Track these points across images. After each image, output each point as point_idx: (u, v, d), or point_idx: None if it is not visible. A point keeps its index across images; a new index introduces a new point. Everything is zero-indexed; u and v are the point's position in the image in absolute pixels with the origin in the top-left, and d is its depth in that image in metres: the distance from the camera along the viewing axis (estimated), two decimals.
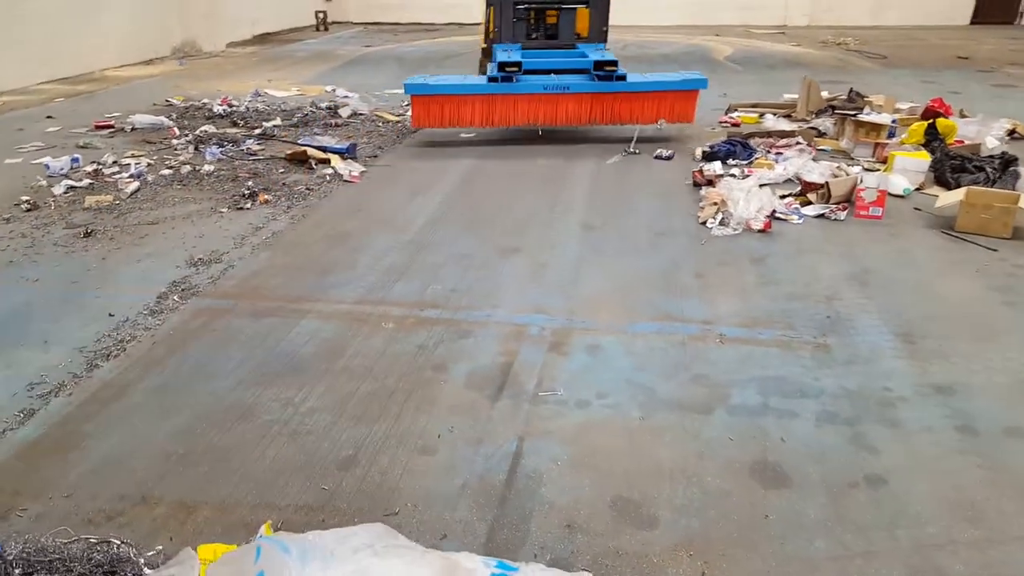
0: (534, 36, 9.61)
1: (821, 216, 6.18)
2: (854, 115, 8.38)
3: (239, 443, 3.39)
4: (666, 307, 4.63)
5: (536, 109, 8.25)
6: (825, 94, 9.68)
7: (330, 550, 2.12)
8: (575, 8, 9.39)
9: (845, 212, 6.17)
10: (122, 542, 2.58)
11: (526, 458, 3.26)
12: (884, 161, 7.54)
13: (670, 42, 18.92)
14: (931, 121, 7.87)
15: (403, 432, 3.46)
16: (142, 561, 2.45)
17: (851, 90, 9.76)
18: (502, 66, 8.12)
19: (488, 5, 9.41)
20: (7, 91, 11.70)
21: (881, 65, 14.84)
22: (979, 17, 23.07)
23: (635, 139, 8.48)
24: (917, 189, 6.80)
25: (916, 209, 6.39)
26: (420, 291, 4.91)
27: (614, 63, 8.20)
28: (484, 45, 9.82)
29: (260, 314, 4.57)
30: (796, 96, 10.42)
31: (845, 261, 5.29)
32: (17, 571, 2.34)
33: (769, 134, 8.15)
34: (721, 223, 5.96)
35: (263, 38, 20.00)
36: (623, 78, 8.17)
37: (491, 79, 8.17)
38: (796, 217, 6.11)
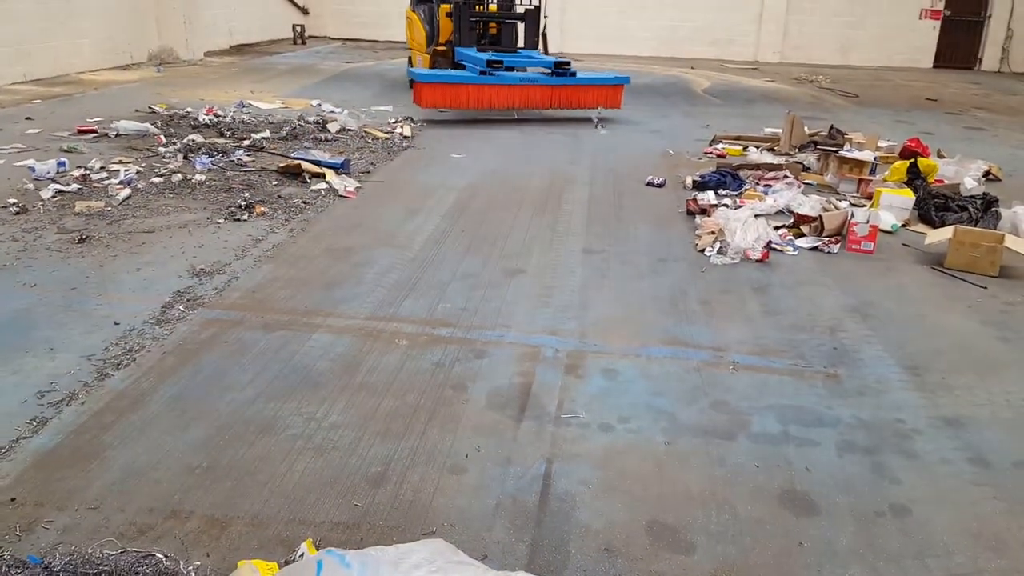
0: (483, 42, 12.25)
1: (815, 248, 6.30)
2: (838, 151, 8.57)
3: (264, 457, 3.35)
4: (676, 332, 4.68)
5: (513, 96, 10.94)
6: (806, 130, 9.88)
7: (391, 566, 2.10)
8: (513, 23, 12.51)
9: (838, 245, 6.27)
10: (167, 556, 2.52)
11: (556, 480, 3.27)
12: (869, 197, 7.72)
13: (649, 72, 19.19)
14: (913, 160, 8.07)
15: (430, 450, 3.44)
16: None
17: (832, 127, 10.00)
18: (489, 63, 10.85)
19: (446, 15, 12.38)
20: None
21: (853, 103, 15.21)
22: (941, 61, 23.79)
23: (597, 120, 11.66)
24: (903, 225, 6.96)
25: (905, 245, 6.56)
26: (429, 308, 4.89)
27: (567, 63, 11.22)
28: (428, 50, 12.84)
29: (271, 327, 4.52)
30: (777, 130, 10.64)
31: (843, 293, 5.40)
32: None
33: (757, 166, 8.31)
34: (719, 252, 6.04)
35: (240, 49, 19.85)
36: (574, 74, 11.18)
37: (481, 72, 10.77)
38: (791, 248, 6.24)
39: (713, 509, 3.14)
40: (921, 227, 7.09)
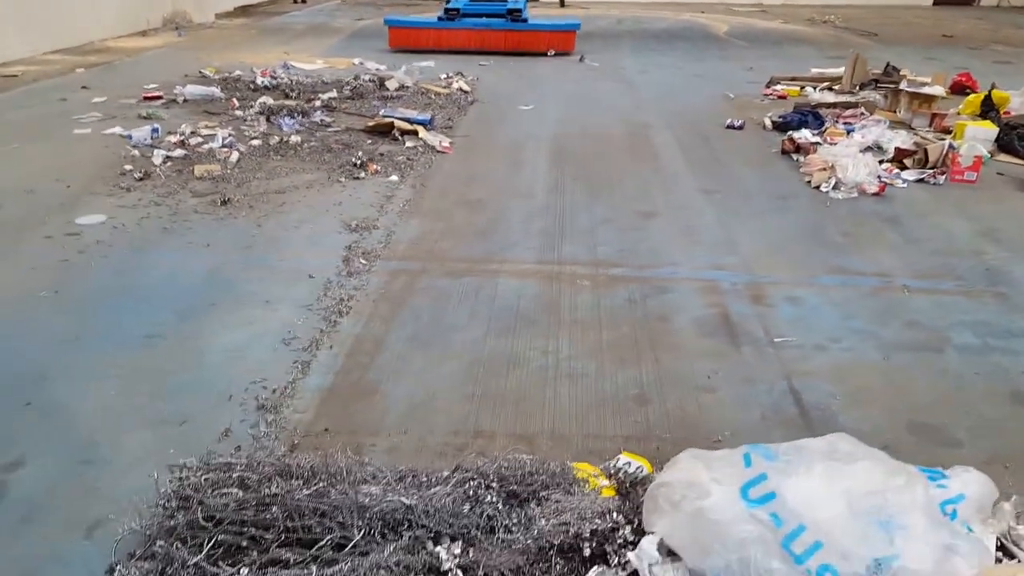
0: None
1: (920, 180, 6.55)
2: (897, 88, 8.83)
3: (525, 385, 3.59)
4: (834, 262, 4.95)
5: (471, 38, 12.88)
6: (869, 69, 10.12)
7: (821, 455, 2.36)
8: None
9: (943, 176, 6.53)
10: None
11: (804, 394, 3.53)
12: (944, 131, 7.96)
13: (661, 18, 19.28)
14: (987, 93, 8.35)
15: (671, 374, 3.69)
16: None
17: (888, 64, 10.23)
18: (446, 11, 12.98)
19: None
20: (15, 61, 11.38)
21: (875, 42, 15.42)
22: None
23: (582, 56, 13.09)
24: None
25: (999, 174, 6.82)
26: (590, 251, 5.11)
27: (519, 10, 12.93)
28: None
29: (454, 274, 4.73)
30: (824, 70, 10.90)
31: (967, 221, 5.68)
32: (495, 485, 2.53)
33: (834, 105, 8.53)
34: (834, 187, 6.28)
35: (245, 10, 19.68)
36: (526, 20, 13.04)
37: (439, 18, 13.09)
38: (900, 181, 6.48)
39: (959, 411, 3.42)
40: (1004, 157, 7.34)
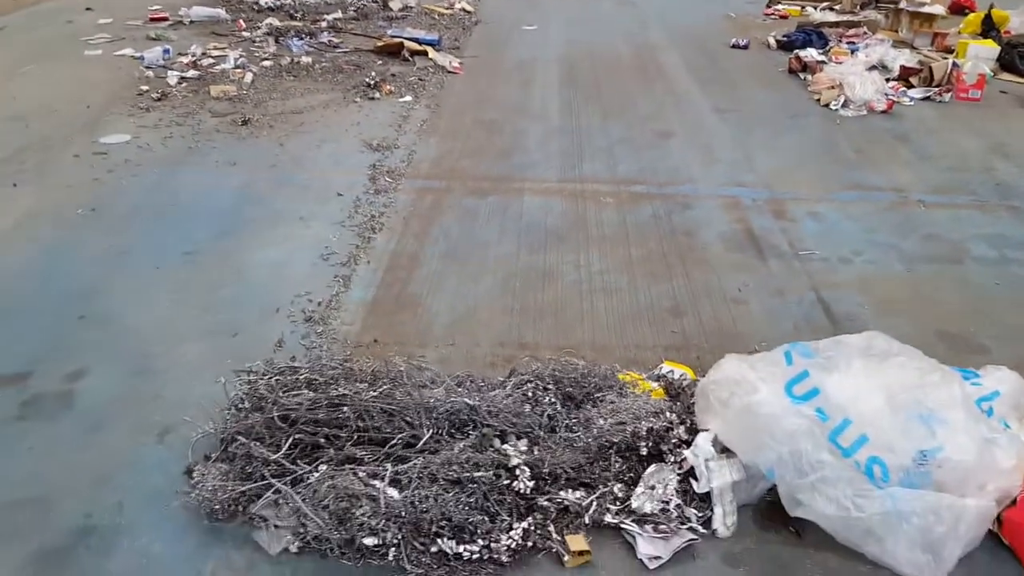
0: None
1: (927, 99, 6.62)
2: (898, 7, 8.81)
3: (562, 299, 3.71)
4: (850, 178, 5.06)
5: None
6: None
7: (859, 351, 2.51)
8: None
9: (949, 94, 6.60)
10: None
11: (833, 305, 3.68)
12: (946, 50, 7.98)
13: None
14: (987, 12, 8.35)
15: (702, 287, 3.82)
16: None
17: None
18: None
19: None
20: None
21: None
22: None
23: None
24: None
25: (1002, 92, 6.90)
26: (610, 170, 5.19)
27: None
28: None
29: (479, 192, 4.81)
30: None
31: (976, 136, 5.79)
32: (551, 387, 2.66)
33: (837, 24, 8.52)
34: (843, 105, 6.34)
35: None
36: None
37: None
38: (907, 99, 6.55)
39: (984, 319, 3.58)
40: (1006, 75, 7.40)
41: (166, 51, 7.39)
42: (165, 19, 8.97)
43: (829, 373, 2.46)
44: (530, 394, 2.65)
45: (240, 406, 2.65)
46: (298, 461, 2.46)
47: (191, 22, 8.88)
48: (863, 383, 2.45)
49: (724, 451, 2.46)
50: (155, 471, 2.65)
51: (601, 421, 2.56)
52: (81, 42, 7.96)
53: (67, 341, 3.29)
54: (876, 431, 2.33)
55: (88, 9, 9.54)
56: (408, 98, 6.50)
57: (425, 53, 7.68)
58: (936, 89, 6.69)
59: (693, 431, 2.58)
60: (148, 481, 2.60)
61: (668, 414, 2.57)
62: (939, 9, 8.80)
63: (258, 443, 2.49)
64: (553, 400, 2.63)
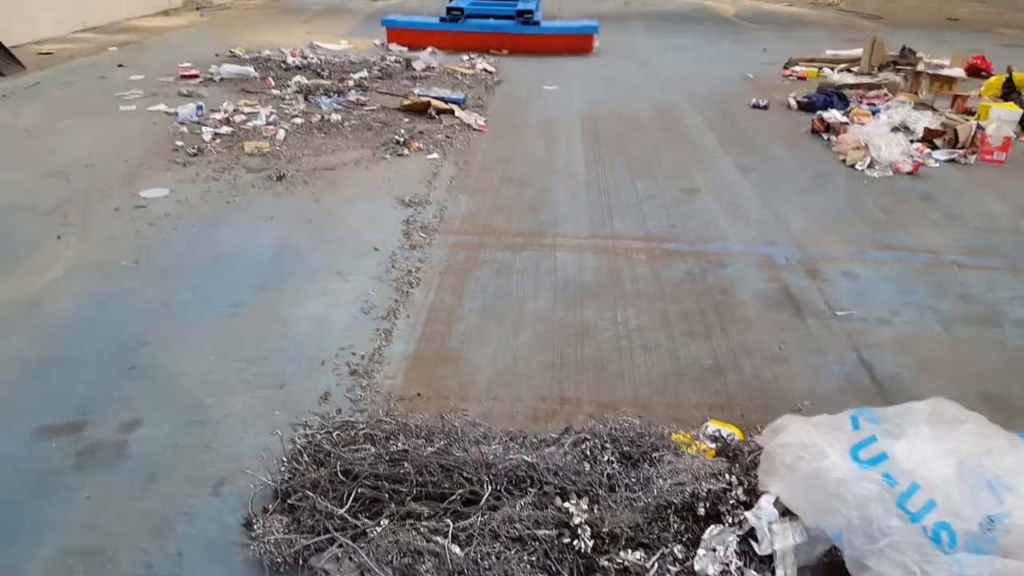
0: None
1: (951, 160, 6.69)
2: (916, 70, 8.96)
3: (602, 354, 3.73)
4: (881, 238, 5.10)
5: (476, 41, 11.52)
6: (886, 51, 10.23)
7: (925, 416, 2.52)
8: None
9: (974, 156, 6.68)
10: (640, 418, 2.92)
11: (874, 365, 3.69)
12: (966, 112, 8.09)
13: (666, 0, 19.32)
14: (1008, 75, 8.49)
15: (742, 345, 3.84)
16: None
17: (904, 47, 10.34)
18: (448, 10, 11.59)
19: None
20: (48, 39, 11.41)
21: (881, 25, 15.50)
22: None
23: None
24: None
25: None
26: (641, 226, 5.25)
27: (531, 11, 11.61)
28: None
29: (513, 248, 4.86)
30: (838, 51, 11.05)
31: (1003, 199, 5.84)
32: (609, 445, 2.67)
33: (857, 86, 8.66)
34: (869, 166, 6.42)
35: None
36: (537, 23, 11.70)
37: (441, 19, 11.66)
38: (932, 161, 6.63)
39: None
40: None
41: (199, 107, 7.54)
42: (196, 76, 9.17)
43: (897, 439, 2.46)
44: (588, 452, 2.65)
45: (299, 459, 2.64)
46: (359, 515, 2.46)
47: (221, 79, 9.07)
48: (931, 449, 2.45)
49: (785, 513, 2.45)
50: (212, 522, 2.66)
51: (661, 481, 2.55)
52: (115, 98, 8.14)
53: (118, 391, 3.31)
54: (943, 497, 2.32)
55: (120, 66, 9.77)
56: (436, 155, 6.61)
57: (451, 111, 7.79)
58: (961, 151, 6.78)
59: (751, 492, 2.57)
60: (206, 532, 2.60)
61: (728, 475, 2.56)
62: (958, 72, 8.94)
63: (322, 497, 2.48)
64: (611, 459, 2.62)
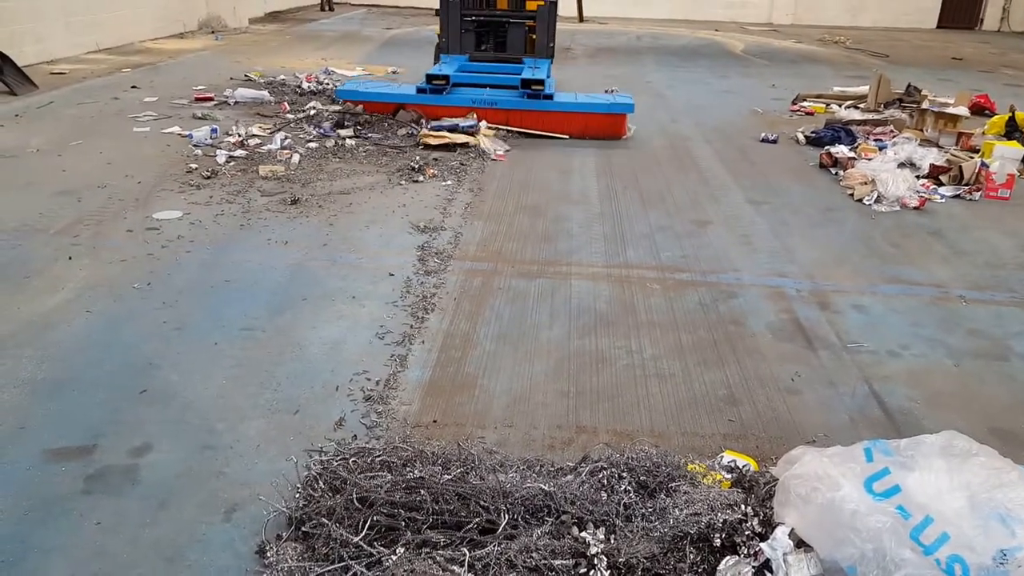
0: (483, 48, 9.98)
1: (957, 196, 6.74)
2: (920, 108, 9.05)
3: (617, 383, 3.75)
4: (890, 272, 5.13)
5: (463, 114, 8.53)
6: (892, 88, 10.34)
7: (938, 449, 2.53)
8: (522, 23, 9.76)
9: (979, 192, 6.73)
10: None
11: (885, 398, 3.70)
12: (971, 149, 8.15)
13: (678, 35, 19.54)
14: (1011, 114, 8.58)
15: (755, 375, 3.86)
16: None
17: (909, 85, 10.44)
18: (429, 79, 8.46)
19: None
20: (61, 59, 11.56)
21: (887, 63, 15.65)
22: (944, 22, 24.49)
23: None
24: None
25: None
26: (653, 256, 5.28)
27: (541, 82, 8.31)
28: (441, 37, 10.10)
29: (527, 275, 4.90)
30: (845, 88, 11.18)
31: (1008, 235, 5.89)
32: (626, 475, 2.68)
33: (864, 122, 8.74)
34: (876, 200, 6.47)
35: (275, 16, 19.89)
36: (550, 97, 8.43)
37: (419, 90, 8.52)
38: (938, 197, 6.68)
39: None
40: None
41: (213, 130, 7.62)
42: (210, 99, 9.27)
43: (910, 471, 2.48)
44: (605, 481, 2.66)
45: (315, 486, 2.65)
46: (375, 543, 2.46)
47: (236, 103, 9.15)
48: (943, 482, 2.46)
49: (800, 545, 2.46)
50: (224, 549, 2.65)
51: (677, 511, 2.56)
52: (128, 119, 8.23)
53: (128, 415, 3.32)
54: (957, 530, 2.33)
55: (134, 87, 9.88)
56: (450, 182, 6.67)
57: (466, 144, 7.84)
58: (966, 187, 6.82)
59: (766, 523, 2.57)
60: (218, 560, 2.59)
61: (743, 506, 2.57)
62: (963, 110, 9.02)
63: (337, 524, 2.48)
64: (628, 488, 2.63)
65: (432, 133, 7.89)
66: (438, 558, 2.38)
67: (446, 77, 8.45)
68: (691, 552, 2.51)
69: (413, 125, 8.27)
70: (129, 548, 2.64)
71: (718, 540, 2.52)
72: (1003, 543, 2.31)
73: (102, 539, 2.68)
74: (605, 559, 2.41)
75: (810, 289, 4.81)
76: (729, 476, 2.83)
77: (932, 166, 7.11)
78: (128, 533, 2.70)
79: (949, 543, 2.31)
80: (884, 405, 3.61)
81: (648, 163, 7.60)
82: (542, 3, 9.31)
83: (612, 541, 2.49)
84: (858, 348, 4.11)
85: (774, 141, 8.52)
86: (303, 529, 2.59)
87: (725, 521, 2.52)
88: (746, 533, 2.53)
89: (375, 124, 8.31)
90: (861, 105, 10.19)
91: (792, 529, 2.48)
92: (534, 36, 9.72)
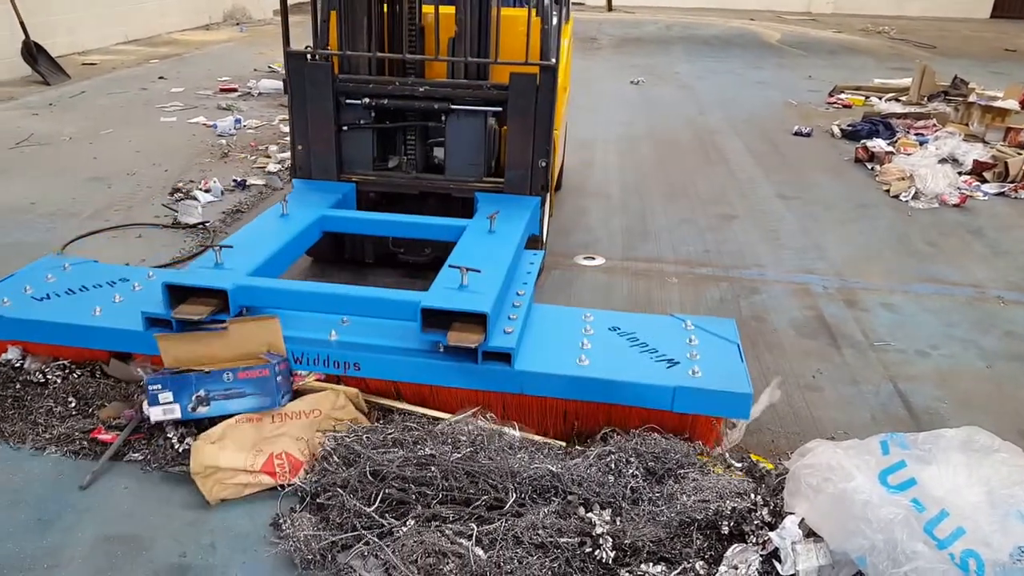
0: (390, 163, 4.54)
1: (1001, 194, 6.51)
2: (965, 101, 8.78)
3: None
4: (925, 271, 4.96)
5: None
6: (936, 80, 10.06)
7: (959, 443, 2.42)
8: (479, 113, 4.16)
9: None
10: None
11: (911, 397, 3.56)
12: (1019, 145, 7.87)
13: (710, 24, 19.29)
14: None
15: (775, 371, 3.73)
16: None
17: (956, 77, 10.15)
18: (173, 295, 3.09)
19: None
20: (91, 50, 11.68)
21: (934, 54, 15.25)
22: (999, 11, 23.57)
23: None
24: None
25: None
26: (674, 250, 5.15)
27: (481, 317, 2.93)
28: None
29: (549, 267, 4.78)
30: (887, 80, 10.89)
31: None
32: (633, 460, 2.58)
33: (905, 115, 8.50)
34: (914, 197, 6.26)
35: (298, 7, 19.91)
36: (508, 358, 2.99)
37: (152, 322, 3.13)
38: (981, 194, 6.45)
39: None
40: None
41: (237, 121, 7.60)
42: (235, 90, 9.28)
43: (927, 465, 2.40)
44: (612, 465, 2.65)
45: (329, 460, 2.68)
46: (386, 515, 2.49)
47: (259, 94, 9.15)
48: (962, 477, 2.39)
49: (810, 535, 2.36)
50: (242, 516, 2.68)
51: (684, 497, 2.51)
52: (156, 109, 8.28)
53: None
54: (973, 525, 2.28)
55: (161, 78, 9.94)
56: None
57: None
58: (1011, 185, 6.59)
59: (776, 514, 2.50)
60: (238, 525, 2.63)
61: (753, 495, 2.49)
62: (1013, 104, 8.73)
63: (351, 495, 2.51)
64: (635, 472, 2.57)
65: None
66: (447, 531, 2.41)
67: (221, 293, 3.09)
68: (698, 538, 2.48)
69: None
70: (157, 511, 2.71)
71: (726, 528, 2.50)
72: (1021, 540, 2.25)
73: (131, 503, 2.74)
74: (611, 540, 2.42)
75: (838, 286, 4.66)
76: (739, 465, 2.72)
77: (976, 162, 6.89)
78: (154, 498, 2.77)
79: (964, 537, 2.25)
80: (909, 404, 3.48)
81: (673, 155, 7.56)
82: (528, 70, 3.99)
83: (618, 523, 2.49)
84: (885, 347, 3.96)
85: (808, 134, 8.32)
86: (318, 500, 2.62)
87: (734, 509, 2.49)
88: (755, 522, 2.49)
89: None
90: (903, 98, 9.93)
91: (802, 519, 2.42)
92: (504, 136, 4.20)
